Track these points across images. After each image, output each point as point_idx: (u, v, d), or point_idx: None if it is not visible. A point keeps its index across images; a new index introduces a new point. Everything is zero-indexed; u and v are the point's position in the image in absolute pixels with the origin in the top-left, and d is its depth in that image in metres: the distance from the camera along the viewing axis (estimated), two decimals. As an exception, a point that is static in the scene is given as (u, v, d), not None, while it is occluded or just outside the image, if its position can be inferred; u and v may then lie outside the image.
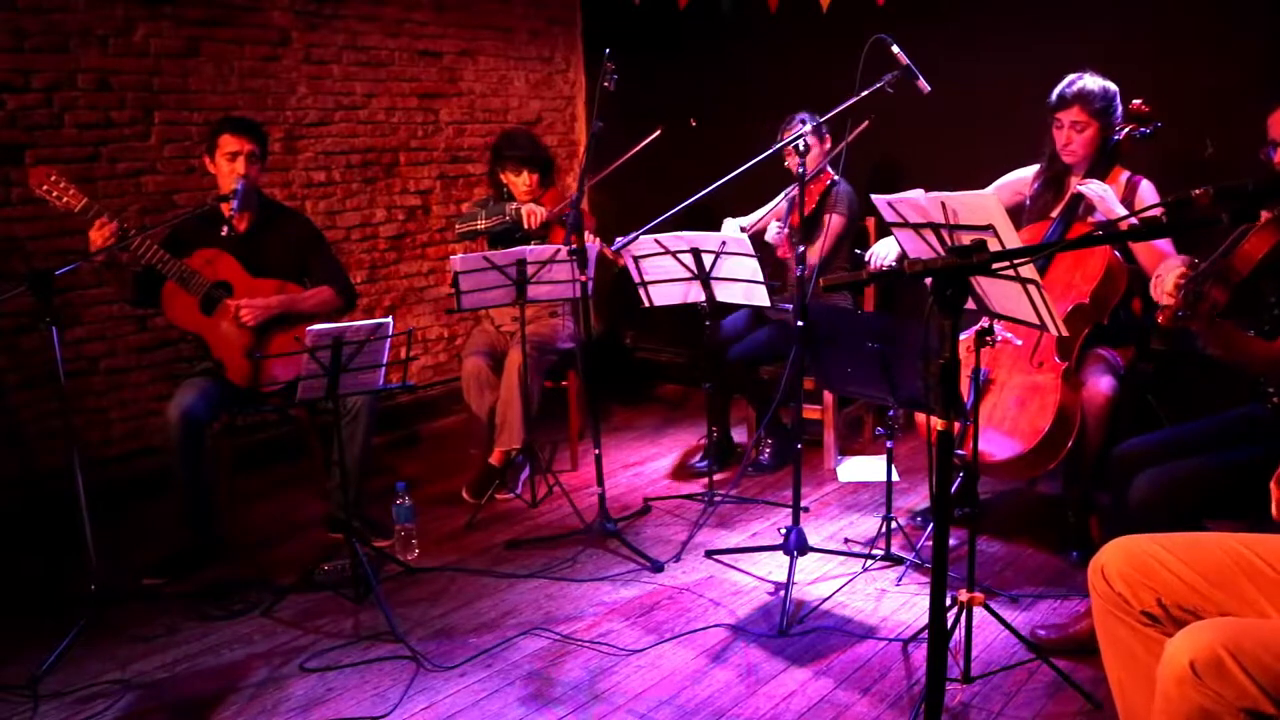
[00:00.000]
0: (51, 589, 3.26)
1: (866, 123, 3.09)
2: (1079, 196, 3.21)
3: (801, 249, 3.09)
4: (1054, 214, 3.30)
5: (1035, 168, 3.45)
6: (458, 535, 3.66)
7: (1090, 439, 3.07)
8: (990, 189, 3.51)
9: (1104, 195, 3.13)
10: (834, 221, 4.01)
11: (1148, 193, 3.26)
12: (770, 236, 4.01)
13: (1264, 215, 2.32)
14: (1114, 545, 1.84)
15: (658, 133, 3.53)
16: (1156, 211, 1.68)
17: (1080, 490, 3.20)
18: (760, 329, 4.16)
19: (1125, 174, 3.29)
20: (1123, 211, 3.14)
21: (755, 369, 4.10)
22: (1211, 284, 2.29)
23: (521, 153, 4.08)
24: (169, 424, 3.25)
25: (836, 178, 4.05)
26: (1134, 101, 3.26)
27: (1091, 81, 3.23)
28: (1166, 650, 1.58)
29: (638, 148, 3.56)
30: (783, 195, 4.06)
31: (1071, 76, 3.26)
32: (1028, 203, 3.42)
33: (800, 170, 3.12)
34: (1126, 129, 3.24)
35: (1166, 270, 2.37)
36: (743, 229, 4.00)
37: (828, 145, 4.08)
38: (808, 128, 3.73)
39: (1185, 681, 1.52)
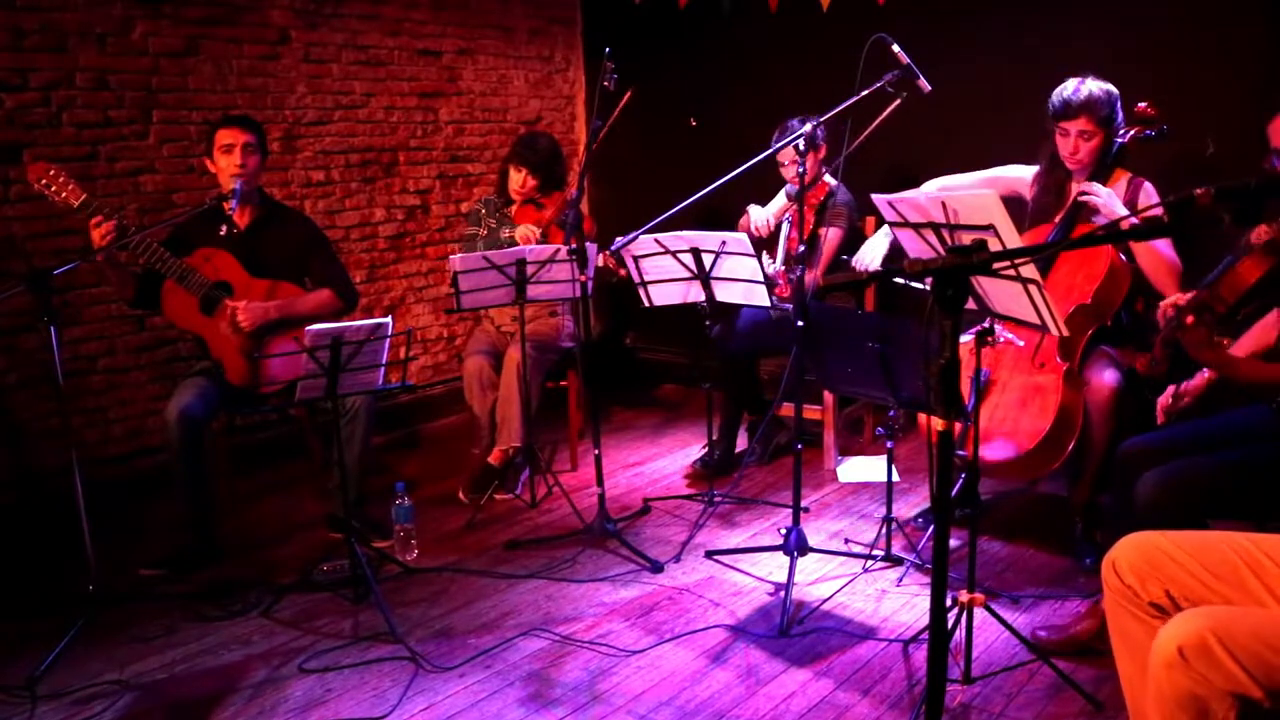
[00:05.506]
0: (50, 589, 3.25)
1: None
2: (1081, 201, 3.18)
3: (799, 270, 3.08)
4: (1057, 219, 3.27)
5: (1034, 169, 3.39)
6: (457, 535, 3.65)
7: (1095, 435, 3.05)
8: (985, 175, 3.49)
9: (1107, 200, 3.08)
10: (831, 235, 3.99)
11: (1152, 195, 3.21)
12: (771, 270, 3.92)
13: (1260, 236, 2.32)
14: (1126, 540, 1.89)
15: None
16: (1157, 211, 1.69)
17: (1085, 495, 3.19)
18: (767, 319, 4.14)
19: (1127, 176, 3.24)
20: (1126, 214, 3.11)
21: (754, 361, 4.08)
22: (1195, 316, 2.32)
23: (529, 154, 4.09)
24: (168, 424, 3.25)
25: (834, 185, 4.03)
26: (1139, 104, 3.15)
27: (1095, 87, 3.12)
28: (1158, 637, 1.61)
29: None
30: (787, 201, 4.05)
31: (1074, 83, 3.15)
32: (1029, 206, 3.40)
33: (800, 173, 3.10)
34: (1132, 132, 3.14)
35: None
36: (757, 228, 4.00)
37: (822, 154, 4.05)
38: (808, 127, 3.71)
39: (1174, 666, 1.56)
